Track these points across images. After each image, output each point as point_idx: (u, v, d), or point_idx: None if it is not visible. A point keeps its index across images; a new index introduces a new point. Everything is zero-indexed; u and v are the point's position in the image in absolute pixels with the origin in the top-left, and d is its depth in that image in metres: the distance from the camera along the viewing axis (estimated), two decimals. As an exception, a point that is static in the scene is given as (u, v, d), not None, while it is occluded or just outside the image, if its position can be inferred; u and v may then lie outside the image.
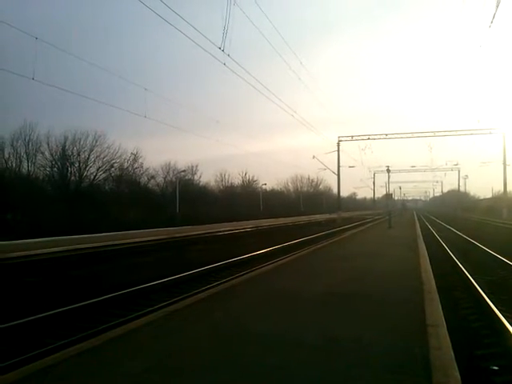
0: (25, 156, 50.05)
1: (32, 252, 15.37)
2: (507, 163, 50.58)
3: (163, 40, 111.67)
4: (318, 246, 18.81)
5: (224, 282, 10.32)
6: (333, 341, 4.88)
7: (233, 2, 15.95)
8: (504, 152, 50.12)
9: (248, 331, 5.36)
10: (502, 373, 5.70)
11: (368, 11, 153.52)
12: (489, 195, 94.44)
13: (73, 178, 51.80)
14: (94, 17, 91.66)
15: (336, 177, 50.70)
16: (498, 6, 14.73)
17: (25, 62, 21.58)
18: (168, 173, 66.12)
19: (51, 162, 51.11)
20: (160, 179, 65.66)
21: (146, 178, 61.72)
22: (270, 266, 12.24)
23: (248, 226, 36.94)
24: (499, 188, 64.18)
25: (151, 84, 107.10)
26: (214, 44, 16.55)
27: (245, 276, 10.48)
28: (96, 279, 12.78)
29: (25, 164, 50.05)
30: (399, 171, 72.91)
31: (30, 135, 50.07)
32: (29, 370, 4.17)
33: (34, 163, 50.65)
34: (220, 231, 30.05)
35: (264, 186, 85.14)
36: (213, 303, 7.20)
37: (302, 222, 50.50)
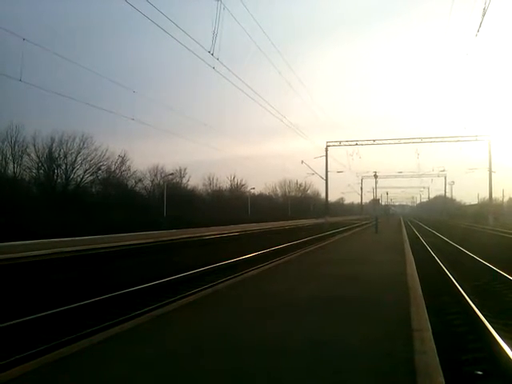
0: (11, 158, 49.64)
1: (15, 255, 15.15)
2: (493, 170, 51.12)
3: (153, 43, 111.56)
4: (305, 250, 18.81)
5: (208, 288, 10.25)
6: (319, 345, 4.86)
7: (223, 7, 15.97)
8: (489, 159, 50.67)
9: (235, 337, 5.32)
10: (487, 377, 5.72)
11: (359, 19, 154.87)
12: (475, 201, 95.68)
13: (59, 180, 51.43)
14: (83, 18, 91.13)
15: (324, 182, 50.81)
16: (484, 15, 14.95)
17: (12, 62, 21.32)
18: (155, 176, 65.93)
19: (37, 163, 50.73)
20: (147, 182, 65.45)
21: (133, 181, 61.50)
22: (256, 271, 12.20)
23: (235, 230, 36.88)
24: (485, 194, 64.99)
25: (140, 87, 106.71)
26: (203, 48, 16.54)
27: (230, 281, 10.44)
28: (77, 283, 12.57)
29: (10, 166, 49.61)
30: (386, 177, 73.56)
31: (16, 136, 49.69)
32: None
33: (20, 165, 50.22)
34: (207, 235, 29.95)
35: (252, 191, 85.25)
36: (200, 308, 7.16)
37: (290, 226, 50.56)
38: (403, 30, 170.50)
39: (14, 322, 7.65)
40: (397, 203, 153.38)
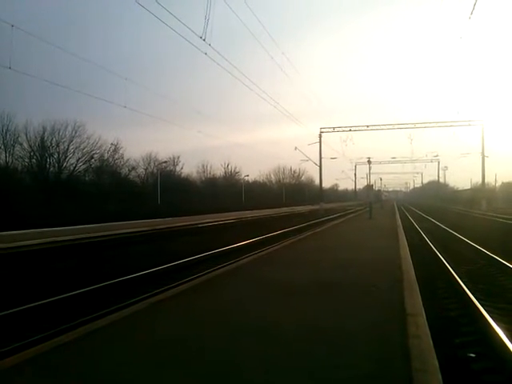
0: (2, 147, 49.26)
1: (9, 245, 15.10)
2: (486, 155, 51.33)
3: (144, 29, 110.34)
4: (300, 236, 18.87)
5: (207, 273, 10.28)
6: (314, 329, 4.91)
7: (214, -9, 15.78)
8: (482, 143, 50.87)
9: (232, 323, 5.36)
10: (480, 360, 5.81)
11: (353, 5, 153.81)
12: (468, 186, 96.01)
13: (52, 169, 51.16)
14: (75, 7, 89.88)
15: (318, 168, 50.87)
16: (477, -2, 14.87)
17: (1, 50, 21.03)
18: (149, 164, 65.81)
19: (30, 152, 50.44)
20: (141, 170, 65.34)
21: (126, 170, 61.29)
22: (252, 257, 12.25)
23: (230, 217, 36.89)
24: (478, 179, 65.26)
25: (132, 74, 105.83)
26: (195, 33, 16.37)
27: (226, 268, 10.47)
28: (70, 273, 12.56)
29: (2, 155, 49.22)
30: (380, 162, 73.80)
31: (7, 126, 49.26)
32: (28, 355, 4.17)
33: (12, 154, 49.92)
34: (202, 223, 29.95)
35: (246, 178, 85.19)
36: (197, 294, 7.19)
37: (285, 213, 50.67)
38: (396, 15, 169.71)
39: (10, 311, 7.67)
40: (390, 189, 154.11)
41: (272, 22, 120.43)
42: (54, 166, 51.24)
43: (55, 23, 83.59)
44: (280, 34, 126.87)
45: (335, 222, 32.36)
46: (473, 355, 5.94)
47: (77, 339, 4.78)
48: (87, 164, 53.79)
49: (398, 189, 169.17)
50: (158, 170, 59.59)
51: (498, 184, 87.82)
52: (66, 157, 51.73)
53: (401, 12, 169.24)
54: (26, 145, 50.18)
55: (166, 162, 66.40)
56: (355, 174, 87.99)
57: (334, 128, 50.56)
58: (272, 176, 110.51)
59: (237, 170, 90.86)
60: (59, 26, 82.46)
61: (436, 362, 3.95)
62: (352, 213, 50.17)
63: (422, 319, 5.32)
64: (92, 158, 54.13)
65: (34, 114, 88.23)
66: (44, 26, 72.96)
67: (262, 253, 13.12)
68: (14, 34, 16.64)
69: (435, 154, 72.94)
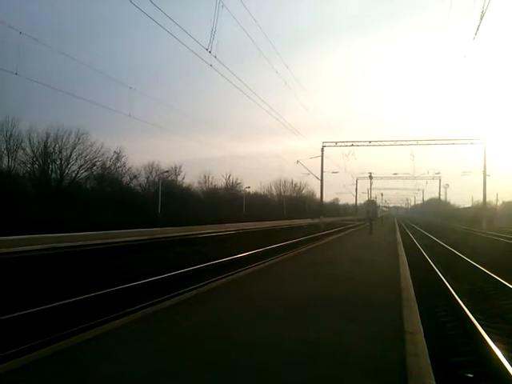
0: (5, 152, 49.31)
1: (7, 250, 15.06)
2: (487, 174, 51.35)
3: (151, 40, 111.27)
4: (300, 250, 18.83)
5: (203, 285, 10.24)
6: (314, 345, 4.87)
7: (221, 4, 15.92)
8: (484, 162, 50.90)
9: (228, 335, 5.32)
10: (478, 380, 5.75)
11: (359, 21, 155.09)
12: (469, 204, 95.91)
13: (54, 175, 51.08)
14: (83, 15, 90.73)
15: (319, 182, 50.88)
16: (482, 18, 14.96)
17: (7, 56, 21.17)
18: (151, 173, 65.68)
19: (32, 158, 50.41)
20: (142, 179, 65.18)
21: (128, 178, 61.20)
22: (250, 269, 12.21)
23: (230, 228, 36.82)
24: (479, 197, 65.16)
25: (137, 84, 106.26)
26: (201, 45, 16.48)
27: (225, 279, 10.43)
28: (66, 280, 12.49)
29: (5, 160, 49.29)
30: (381, 178, 73.54)
31: (11, 131, 49.36)
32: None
33: (15, 159, 49.92)
34: (201, 233, 29.90)
35: (247, 189, 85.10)
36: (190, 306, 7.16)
37: (285, 226, 50.57)
38: (401, 34, 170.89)
39: (5, 317, 7.62)
40: (391, 205, 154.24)
41: (278, 37, 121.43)
42: (56, 173, 51.22)
43: (62, 30, 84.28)
44: (286, 49, 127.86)
45: (336, 236, 32.31)
46: (471, 375, 5.88)
47: (72, 347, 4.75)
48: (89, 171, 53.82)
49: (399, 205, 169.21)
50: (159, 179, 59.56)
51: (499, 203, 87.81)
52: (68, 163, 51.73)
53: (406, 31, 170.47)
54: (28, 150, 50.24)
55: (167, 171, 66.35)
56: (356, 189, 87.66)
57: (336, 142, 50.71)
58: (273, 188, 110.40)
59: (238, 181, 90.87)
60: (66, 34, 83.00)
61: (433, 382, 3.91)
62: (352, 227, 50.07)
63: (421, 337, 5.28)
64: (94, 165, 54.13)
65: (38, 120, 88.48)
66: (51, 33, 73.57)
67: (262, 265, 13.08)
68: (22, 40, 16.73)
69: (437, 172, 72.77)
